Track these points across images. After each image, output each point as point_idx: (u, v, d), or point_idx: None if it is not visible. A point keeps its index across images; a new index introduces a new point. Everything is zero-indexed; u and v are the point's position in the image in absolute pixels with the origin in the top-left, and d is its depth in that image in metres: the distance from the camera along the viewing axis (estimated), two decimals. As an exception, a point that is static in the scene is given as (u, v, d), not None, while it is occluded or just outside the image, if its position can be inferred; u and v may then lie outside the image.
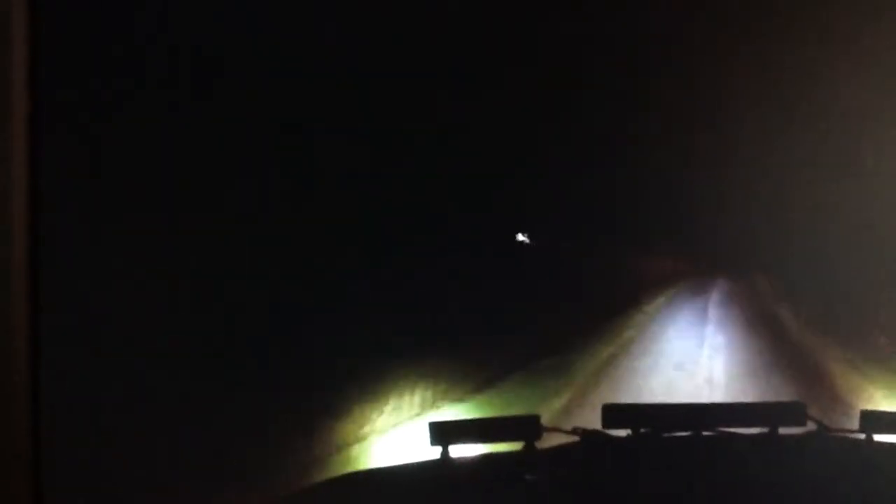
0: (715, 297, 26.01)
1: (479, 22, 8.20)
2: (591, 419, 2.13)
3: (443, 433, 1.96)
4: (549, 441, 2.00)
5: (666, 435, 2.02)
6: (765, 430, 2.01)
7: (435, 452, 1.95)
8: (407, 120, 7.80)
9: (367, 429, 6.90)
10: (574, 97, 11.73)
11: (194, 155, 4.97)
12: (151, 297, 4.37)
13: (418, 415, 7.87)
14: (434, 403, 8.37)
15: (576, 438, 2.00)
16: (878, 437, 1.97)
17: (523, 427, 1.99)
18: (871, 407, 2.21)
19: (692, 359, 12.00)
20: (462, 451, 1.97)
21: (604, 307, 17.16)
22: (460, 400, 8.94)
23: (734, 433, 1.99)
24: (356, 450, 6.59)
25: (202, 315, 4.93)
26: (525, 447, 1.97)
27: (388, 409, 7.30)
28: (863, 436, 1.98)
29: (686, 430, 2.01)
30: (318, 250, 6.39)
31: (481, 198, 10.23)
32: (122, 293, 4.13)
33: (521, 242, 13.07)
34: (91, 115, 4.03)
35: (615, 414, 2.08)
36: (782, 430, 2.01)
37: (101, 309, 3.97)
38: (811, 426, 2.04)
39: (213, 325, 5.01)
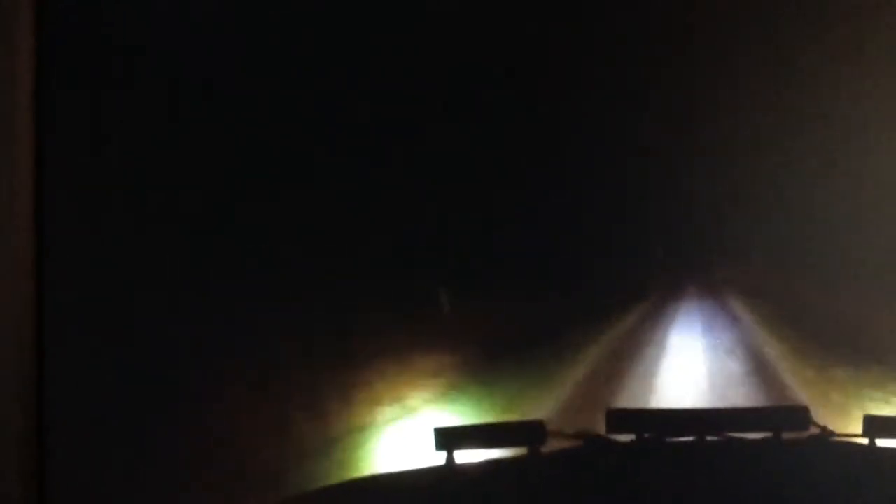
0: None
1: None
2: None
3: (448, 439, 1.97)
4: (554, 446, 2.00)
5: (670, 440, 2.02)
6: (768, 434, 2.01)
7: (440, 458, 1.95)
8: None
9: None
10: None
11: (197, 155, 4.97)
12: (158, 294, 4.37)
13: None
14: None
15: (580, 443, 2.01)
16: (880, 442, 1.98)
17: (528, 432, 2.01)
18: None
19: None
20: (467, 456, 1.98)
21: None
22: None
23: (738, 438, 1.99)
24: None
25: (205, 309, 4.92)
26: (529, 452, 1.97)
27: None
28: (866, 441, 1.98)
29: (690, 435, 2.01)
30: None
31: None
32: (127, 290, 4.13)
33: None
34: (95, 116, 4.04)
35: (619, 418, 2.08)
36: (786, 435, 2.02)
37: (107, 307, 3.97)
38: (814, 430, 2.04)
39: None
